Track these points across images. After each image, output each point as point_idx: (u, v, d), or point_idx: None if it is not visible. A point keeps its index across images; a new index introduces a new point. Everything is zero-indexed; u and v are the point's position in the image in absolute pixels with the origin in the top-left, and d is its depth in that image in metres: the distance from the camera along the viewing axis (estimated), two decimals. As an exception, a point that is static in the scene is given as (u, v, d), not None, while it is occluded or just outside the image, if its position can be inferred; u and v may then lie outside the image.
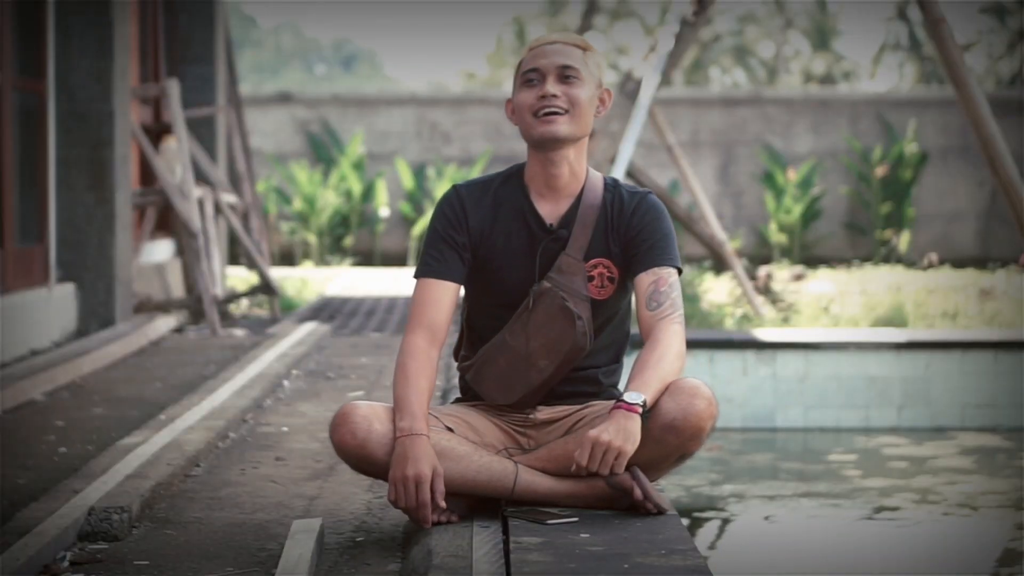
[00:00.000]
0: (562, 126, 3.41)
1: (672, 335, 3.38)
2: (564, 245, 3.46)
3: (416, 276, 3.50)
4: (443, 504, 3.29)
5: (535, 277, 3.46)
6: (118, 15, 8.13)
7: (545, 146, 3.44)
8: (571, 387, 3.52)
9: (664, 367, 3.33)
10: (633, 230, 3.46)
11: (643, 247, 3.45)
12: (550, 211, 3.48)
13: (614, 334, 3.55)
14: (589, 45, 3.49)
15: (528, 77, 3.44)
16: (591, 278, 3.45)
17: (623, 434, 3.23)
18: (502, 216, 3.48)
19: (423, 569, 3.03)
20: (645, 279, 3.43)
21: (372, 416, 3.36)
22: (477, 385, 3.54)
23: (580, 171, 3.49)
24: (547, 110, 3.41)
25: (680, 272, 3.50)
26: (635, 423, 3.24)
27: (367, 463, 3.37)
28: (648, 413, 3.28)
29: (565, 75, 3.42)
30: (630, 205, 3.48)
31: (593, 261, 3.46)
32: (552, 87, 3.41)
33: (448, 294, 3.46)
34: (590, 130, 3.49)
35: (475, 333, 3.57)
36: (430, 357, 3.44)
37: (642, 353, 3.38)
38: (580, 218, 3.46)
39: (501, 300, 3.49)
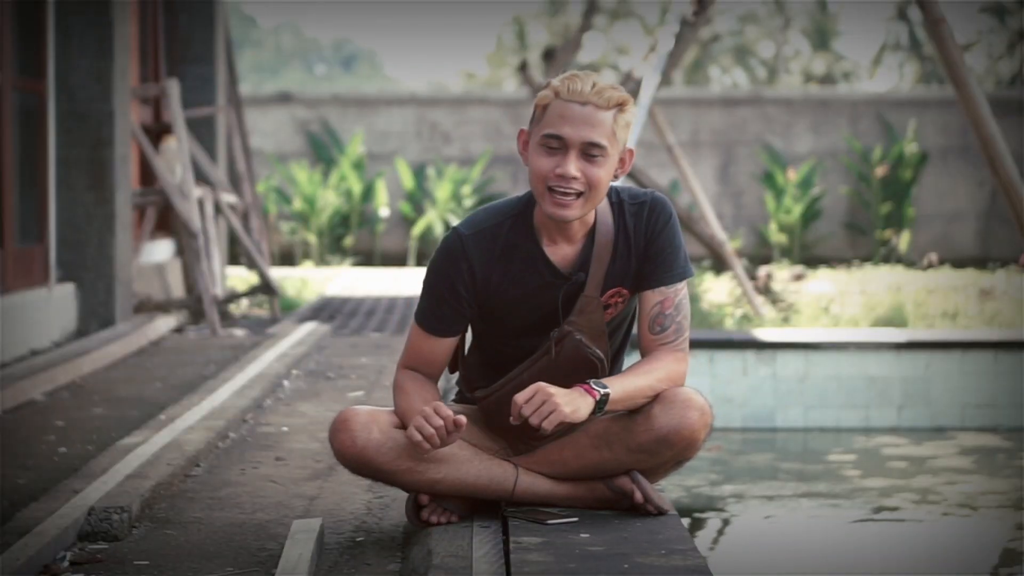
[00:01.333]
0: (573, 211, 3.27)
1: (672, 361, 3.34)
2: (581, 287, 3.36)
3: (416, 321, 3.43)
4: (464, 421, 3.23)
5: (554, 320, 3.37)
6: (118, 15, 8.13)
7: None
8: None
9: (648, 380, 3.29)
10: (643, 244, 3.38)
11: (653, 262, 3.37)
12: (563, 257, 3.37)
13: (619, 333, 3.51)
14: (625, 100, 3.28)
15: (549, 142, 3.26)
16: (607, 307, 3.39)
17: (570, 401, 3.19)
18: (514, 266, 3.37)
19: (423, 569, 3.03)
20: (650, 299, 3.36)
21: (372, 423, 3.35)
22: (490, 422, 3.46)
23: (589, 217, 3.36)
24: (562, 191, 3.25)
25: (691, 276, 3.43)
26: (587, 403, 3.21)
27: (367, 469, 3.36)
28: (602, 407, 3.22)
29: (590, 153, 3.25)
30: (639, 219, 3.38)
31: (610, 292, 3.38)
32: (573, 166, 3.23)
33: (447, 346, 3.43)
34: (603, 199, 3.35)
35: (476, 351, 3.53)
36: (427, 381, 3.44)
37: (637, 362, 3.36)
38: (596, 257, 3.36)
39: (514, 333, 3.43)
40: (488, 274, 3.37)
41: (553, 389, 3.19)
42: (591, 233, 3.38)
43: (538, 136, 3.28)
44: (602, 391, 3.22)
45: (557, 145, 3.26)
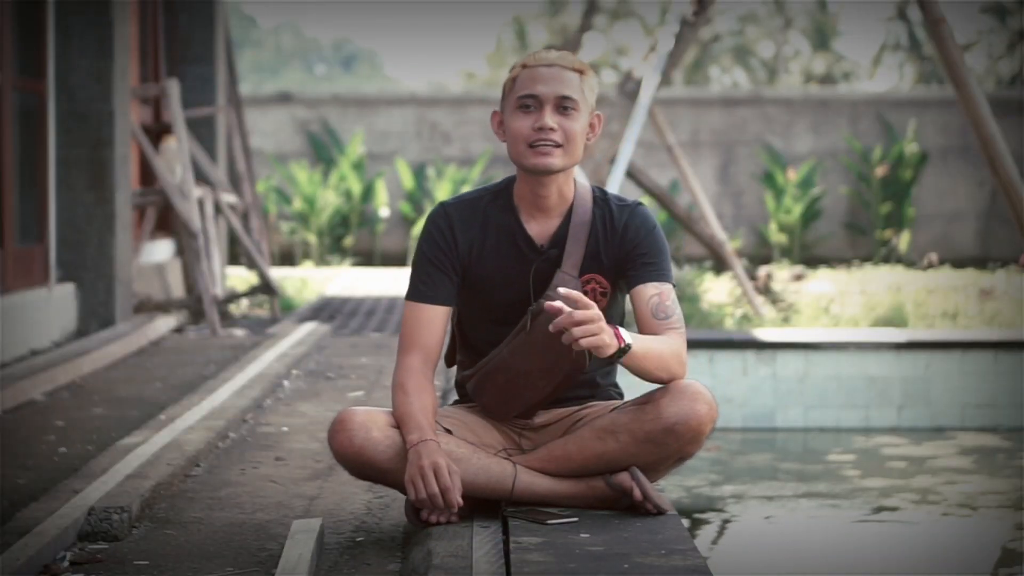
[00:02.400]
0: (556, 159, 3.39)
1: (678, 337, 3.39)
2: (555, 264, 3.44)
3: (407, 299, 3.49)
4: (460, 501, 3.27)
5: (529, 297, 3.44)
6: (118, 15, 8.13)
7: (537, 174, 3.43)
8: (569, 392, 3.51)
9: (661, 347, 3.33)
10: (628, 244, 3.45)
11: (639, 262, 3.43)
12: (540, 231, 3.47)
13: None
14: (586, 67, 3.44)
15: (524, 102, 3.40)
16: (584, 293, 3.43)
17: (601, 329, 3.18)
18: (491, 236, 3.47)
19: (423, 569, 3.03)
20: (646, 292, 3.41)
21: (370, 423, 3.36)
22: (476, 398, 3.54)
23: (568, 192, 3.47)
24: (543, 143, 3.38)
25: (674, 284, 3.49)
26: (612, 345, 3.21)
27: (365, 469, 3.37)
28: (620, 357, 3.25)
29: (563, 106, 3.38)
30: (620, 219, 3.47)
31: (586, 277, 3.45)
32: (549, 119, 3.37)
33: (439, 317, 3.45)
34: (580, 158, 3.47)
35: (467, 340, 3.57)
36: (427, 375, 3.44)
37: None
38: (572, 235, 3.44)
39: (494, 316, 3.48)
40: (469, 241, 3.47)
41: (588, 315, 3.18)
42: (568, 214, 3.46)
43: (512, 102, 3.42)
44: (627, 341, 3.25)
45: (532, 104, 3.40)
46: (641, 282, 3.42)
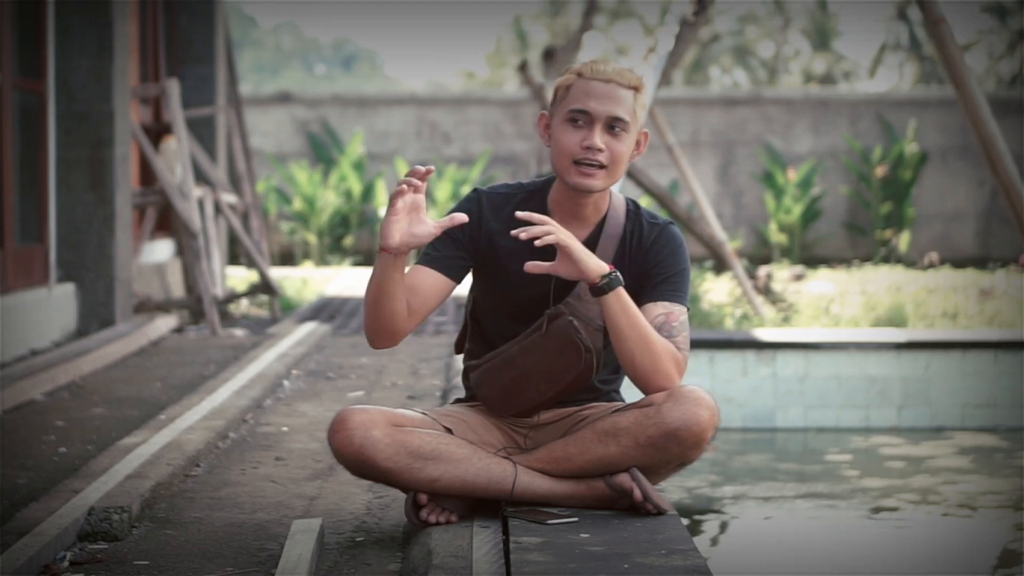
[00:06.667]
0: (598, 181, 3.37)
1: (677, 355, 3.34)
2: None
3: (415, 264, 3.48)
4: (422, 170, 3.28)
5: (548, 298, 3.43)
6: (118, 15, 8.12)
7: (576, 191, 3.41)
8: (570, 395, 3.51)
9: (656, 336, 3.32)
10: (650, 261, 3.43)
11: (657, 279, 3.42)
12: None
13: (613, 352, 3.52)
14: (641, 84, 3.42)
15: (575, 116, 3.36)
16: None
17: (578, 249, 3.25)
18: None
19: (423, 569, 3.03)
20: (654, 309, 3.39)
21: (369, 422, 3.36)
22: (478, 389, 3.53)
23: (603, 204, 3.46)
24: (588, 162, 3.35)
25: (689, 309, 3.47)
26: (598, 264, 3.27)
27: (365, 468, 3.37)
28: (611, 286, 3.27)
29: (613, 126, 3.36)
30: (649, 236, 3.45)
31: None
32: (598, 139, 3.34)
33: (437, 283, 3.40)
34: (622, 176, 3.45)
35: (479, 331, 3.56)
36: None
37: None
38: (601, 247, 3.43)
39: (510, 311, 3.47)
40: (489, 232, 3.44)
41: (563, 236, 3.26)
42: (601, 224, 3.45)
43: (563, 113, 3.39)
44: (618, 273, 3.28)
45: (583, 120, 3.36)
46: (653, 299, 3.40)
